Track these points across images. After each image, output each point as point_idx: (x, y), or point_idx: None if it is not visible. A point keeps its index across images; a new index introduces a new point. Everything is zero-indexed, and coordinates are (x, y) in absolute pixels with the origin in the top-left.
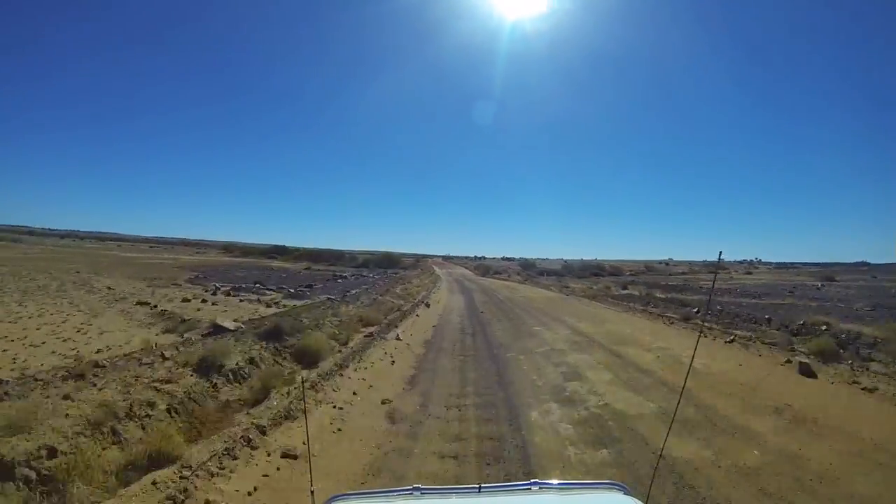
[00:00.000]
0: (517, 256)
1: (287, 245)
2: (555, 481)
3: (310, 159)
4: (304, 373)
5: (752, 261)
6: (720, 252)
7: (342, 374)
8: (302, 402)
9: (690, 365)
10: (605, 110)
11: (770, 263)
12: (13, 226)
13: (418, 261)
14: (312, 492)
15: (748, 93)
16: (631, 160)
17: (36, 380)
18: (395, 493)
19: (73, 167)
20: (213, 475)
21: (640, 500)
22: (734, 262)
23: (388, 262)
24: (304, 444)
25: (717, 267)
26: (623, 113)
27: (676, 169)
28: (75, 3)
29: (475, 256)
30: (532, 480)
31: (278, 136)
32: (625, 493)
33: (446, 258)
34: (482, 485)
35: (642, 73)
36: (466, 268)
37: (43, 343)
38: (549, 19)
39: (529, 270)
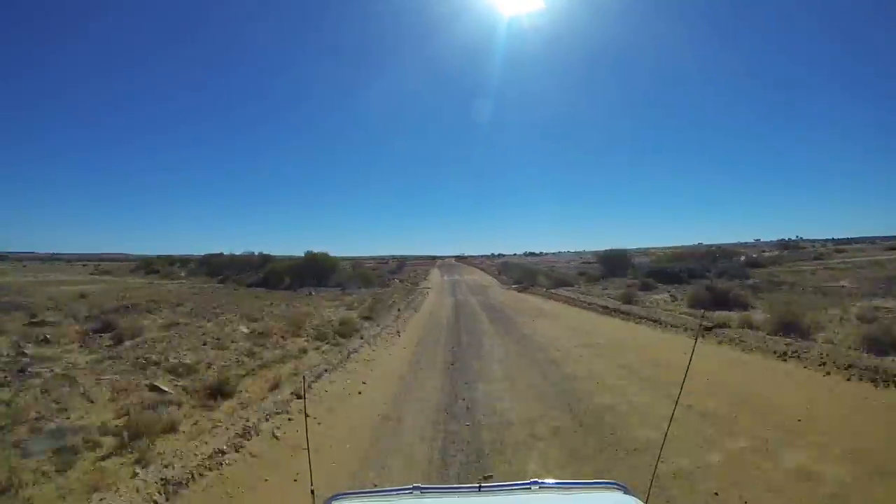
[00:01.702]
0: (539, 251)
1: (224, 252)
2: (555, 481)
3: (316, 170)
4: None
5: (794, 239)
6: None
7: None
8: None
9: None
10: (608, 99)
11: (815, 241)
12: None
13: (402, 265)
14: (312, 491)
15: (758, 82)
16: (642, 147)
17: None
18: (395, 493)
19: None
20: None
21: (640, 499)
22: (774, 241)
23: (318, 273)
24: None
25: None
26: (625, 101)
27: (691, 153)
28: None
29: (493, 254)
30: (532, 480)
31: (276, 146)
32: (625, 493)
33: (459, 258)
34: (482, 484)
35: (647, 59)
36: (485, 270)
37: None
38: (546, 14)
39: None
